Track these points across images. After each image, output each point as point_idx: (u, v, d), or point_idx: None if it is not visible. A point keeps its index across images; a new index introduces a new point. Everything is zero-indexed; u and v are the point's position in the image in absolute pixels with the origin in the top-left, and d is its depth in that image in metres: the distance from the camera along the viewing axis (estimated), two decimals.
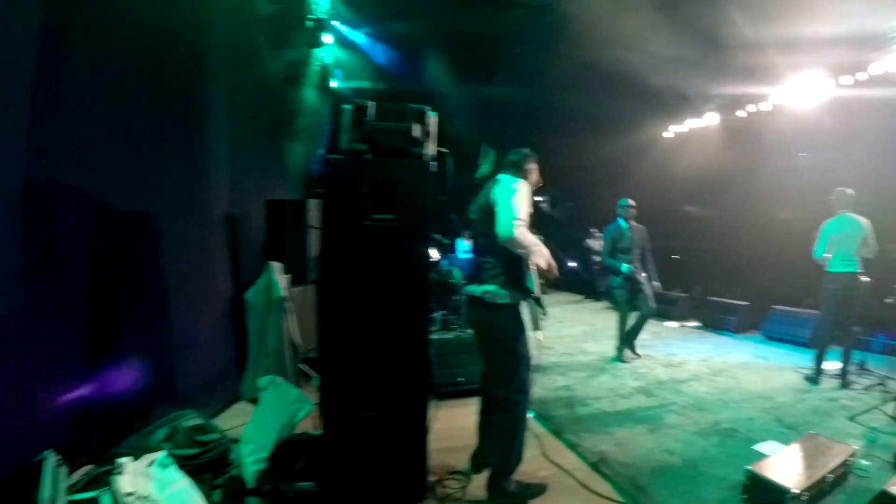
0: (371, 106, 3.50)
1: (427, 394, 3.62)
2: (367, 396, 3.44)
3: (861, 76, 11.70)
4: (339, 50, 11.62)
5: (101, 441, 3.68)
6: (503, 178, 3.62)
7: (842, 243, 6.48)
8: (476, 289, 3.68)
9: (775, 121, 14.92)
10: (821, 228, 6.71)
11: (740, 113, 14.99)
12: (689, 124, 16.89)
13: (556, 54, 16.26)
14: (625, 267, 7.46)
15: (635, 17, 12.57)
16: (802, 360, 7.68)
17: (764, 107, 14.19)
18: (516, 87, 18.33)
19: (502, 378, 3.63)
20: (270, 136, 8.08)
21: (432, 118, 3.67)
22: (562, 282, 18.33)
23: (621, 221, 7.81)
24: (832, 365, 6.80)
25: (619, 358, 7.88)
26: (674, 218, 20.01)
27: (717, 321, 10.40)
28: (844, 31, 10.84)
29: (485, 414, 4.05)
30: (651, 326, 10.23)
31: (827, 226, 6.66)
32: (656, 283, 7.84)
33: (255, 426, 3.94)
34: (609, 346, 8.54)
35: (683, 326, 10.80)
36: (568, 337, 9.71)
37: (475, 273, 3.81)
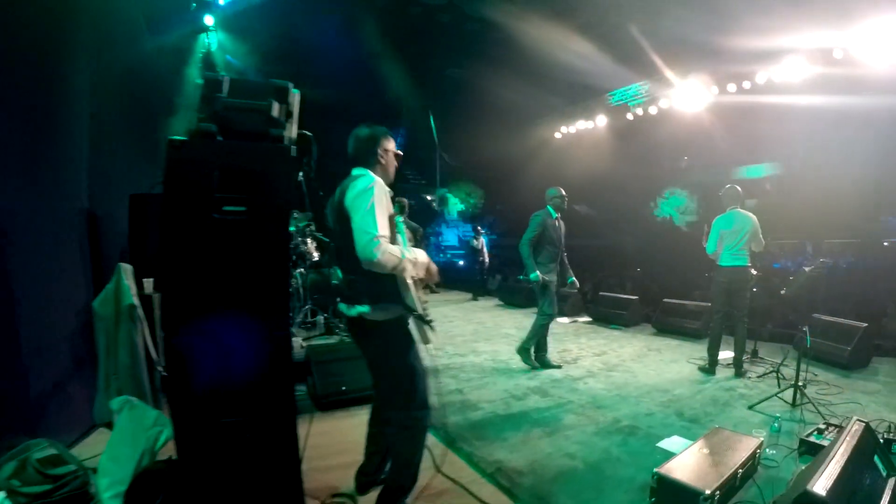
0: (226, 81, 2.96)
1: (292, 408, 3.06)
2: (223, 414, 2.88)
3: (746, 84, 12.12)
4: (225, 34, 10.98)
5: None
6: (355, 174, 3.12)
7: (732, 238, 6.40)
8: (348, 310, 3.15)
9: (662, 124, 15.40)
10: (712, 224, 6.63)
11: (628, 116, 15.27)
12: (578, 125, 17.09)
13: (452, 52, 16.35)
14: (533, 276, 6.66)
15: (530, 15, 12.63)
16: (695, 351, 7.58)
17: (652, 110, 14.51)
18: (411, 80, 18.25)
19: (399, 398, 3.16)
20: (147, 124, 7.05)
21: (296, 96, 3.16)
22: (451, 280, 18.04)
23: (552, 210, 7.00)
24: (725, 354, 6.68)
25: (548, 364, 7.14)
26: (564, 216, 20.41)
27: (608, 316, 10.27)
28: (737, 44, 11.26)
29: (374, 426, 3.61)
30: None
31: (717, 221, 6.58)
32: (575, 281, 7.21)
33: (110, 456, 3.41)
34: (501, 345, 8.18)
35: (575, 322, 10.62)
36: (458, 337, 9.25)
37: (345, 291, 3.21)
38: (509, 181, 20.09)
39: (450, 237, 25.54)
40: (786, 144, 14.56)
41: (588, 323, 10.55)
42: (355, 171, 3.13)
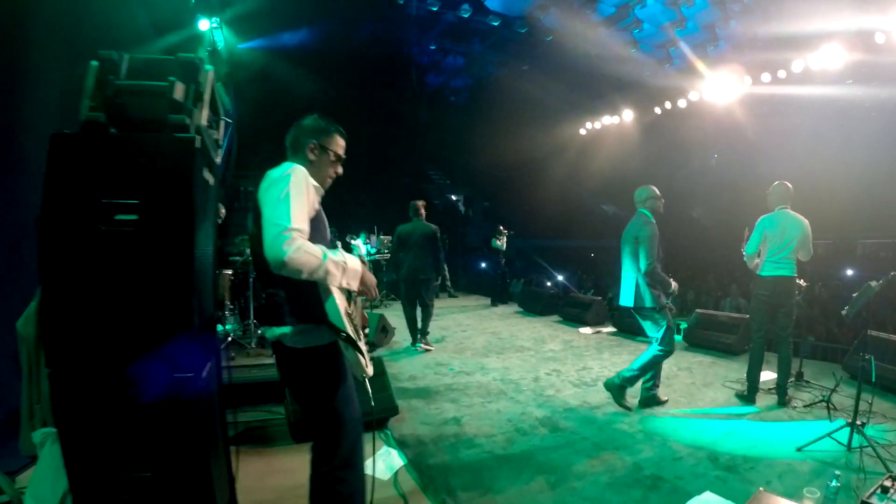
0: (125, 60, 2.51)
1: (204, 461, 2.50)
2: (124, 461, 2.37)
3: (781, 74, 11.14)
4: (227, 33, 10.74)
5: None
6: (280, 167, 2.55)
7: (776, 243, 5.48)
8: (269, 331, 2.57)
9: (690, 118, 14.45)
10: (755, 225, 5.70)
11: (656, 110, 14.37)
12: (604, 121, 16.24)
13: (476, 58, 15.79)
14: (650, 301, 5.40)
15: (550, 4, 11.90)
16: (731, 371, 6.69)
17: (681, 103, 13.60)
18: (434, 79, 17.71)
19: (321, 448, 2.61)
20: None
21: (209, 74, 2.61)
22: (471, 284, 17.27)
23: (650, 214, 5.91)
24: (766, 375, 5.80)
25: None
26: (589, 216, 19.53)
27: (634, 326, 9.32)
28: (770, 31, 10.35)
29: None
30: (564, 334, 9.29)
31: (762, 222, 5.64)
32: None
33: (32, 494, 2.97)
34: (514, 360, 7.41)
35: (598, 333, 9.73)
36: (468, 350, 8.46)
37: (268, 310, 2.61)
38: (533, 180, 19.27)
39: (474, 239, 24.70)
40: (819, 138, 13.49)
41: (612, 334, 9.66)
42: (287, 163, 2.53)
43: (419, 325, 8.61)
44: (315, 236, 2.38)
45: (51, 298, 2.28)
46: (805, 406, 5.37)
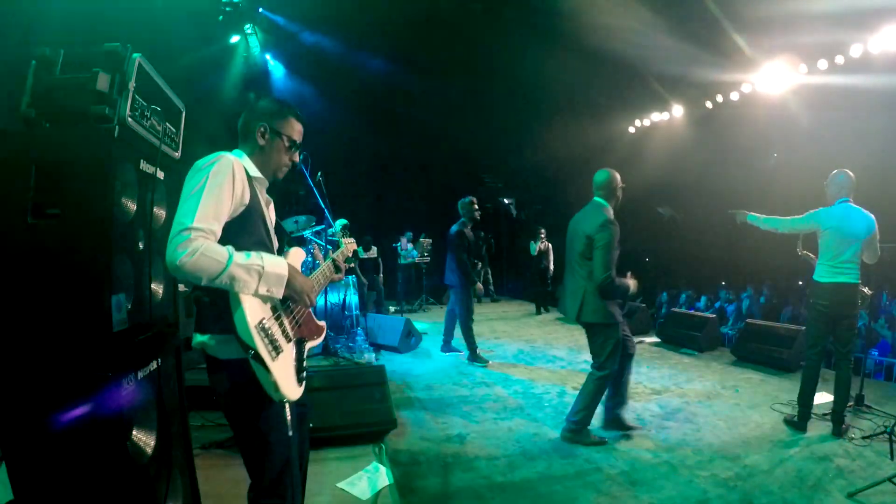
0: (60, 55, 2.46)
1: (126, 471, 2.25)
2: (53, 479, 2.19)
3: (839, 60, 10.15)
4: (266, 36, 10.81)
5: None
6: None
7: (836, 243, 4.67)
8: (194, 338, 2.31)
9: (743, 113, 13.49)
10: (808, 213, 4.89)
11: (707, 104, 13.51)
12: (653, 118, 15.46)
13: (519, 48, 15.27)
14: None
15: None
16: (781, 391, 5.92)
17: (733, 96, 12.73)
18: (480, 82, 17.27)
19: (249, 470, 2.29)
20: None
21: (136, 61, 2.49)
22: (518, 291, 16.71)
23: None
24: (821, 398, 5.04)
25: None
26: (643, 218, 18.70)
27: (679, 337, 8.61)
28: (822, 9, 9.43)
29: None
30: None
31: (818, 214, 4.83)
32: None
33: None
34: (542, 371, 6.83)
35: (640, 343, 8.99)
36: (497, 359, 7.88)
37: (196, 314, 2.34)
38: (584, 182, 18.55)
39: (526, 242, 24.15)
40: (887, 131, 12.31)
41: (655, 345, 8.92)
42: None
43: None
44: (242, 238, 2.13)
45: None
46: (864, 437, 4.60)
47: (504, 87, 16.61)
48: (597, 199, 4.90)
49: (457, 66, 15.70)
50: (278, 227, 2.56)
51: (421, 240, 13.68)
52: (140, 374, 2.46)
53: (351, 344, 8.09)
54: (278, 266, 2.10)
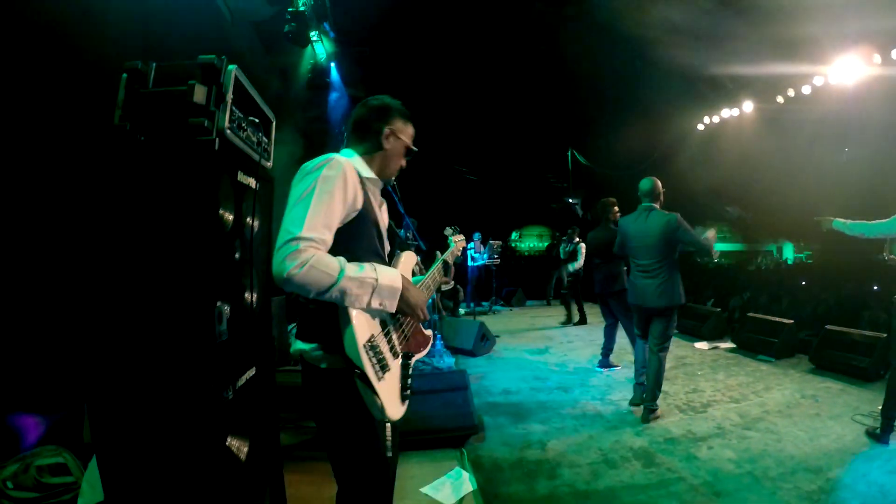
0: (152, 68, 2.49)
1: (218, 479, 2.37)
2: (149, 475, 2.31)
3: None
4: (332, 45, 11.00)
5: None
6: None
7: None
8: (294, 344, 2.25)
9: (814, 107, 13.08)
10: (894, 216, 4.77)
11: (778, 99, 13.20)
12: (723, 115, 15.18)
13: (580, 49, 15.24)
14: None
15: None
16: (863, 401, 5.87)
17: (805, 90, 12.41)
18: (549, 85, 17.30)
19: (339, 488, 2.22)
20: None
21: (233, 73, 2.53)
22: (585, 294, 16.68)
23: None
24: None
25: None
26: (711, 219, 18.38)
27: (756, 343, 8.54)
28: None
29: None
30: (677, 348, 8.67)
31: None
32: None
33: (89, 480, 3.01)
34: (619, 376, 6.97)
35: (716, 349, 8.98)
36: (572, 363, 8.01)
37: (299, 319, 2.32)
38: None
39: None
40: None
41: (731, 350, 8.86)
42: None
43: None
44: (354, 245, 2.07)
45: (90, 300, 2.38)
46: None
47: (570, 84, 16.61)
48: (648, 203, 5.71)
49: (520, 65, 15.79)
50: (391, 231, 2.49)
51: (491, 241, 13.80)
52: (238, 385, 2.64)
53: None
54: (392, 278, 2.01)
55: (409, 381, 2.13)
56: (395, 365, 2.08)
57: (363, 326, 1.95)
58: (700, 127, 16.30)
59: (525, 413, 5.80)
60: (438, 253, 2.74)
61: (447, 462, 4.48)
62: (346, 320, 1.92)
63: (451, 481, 4.12)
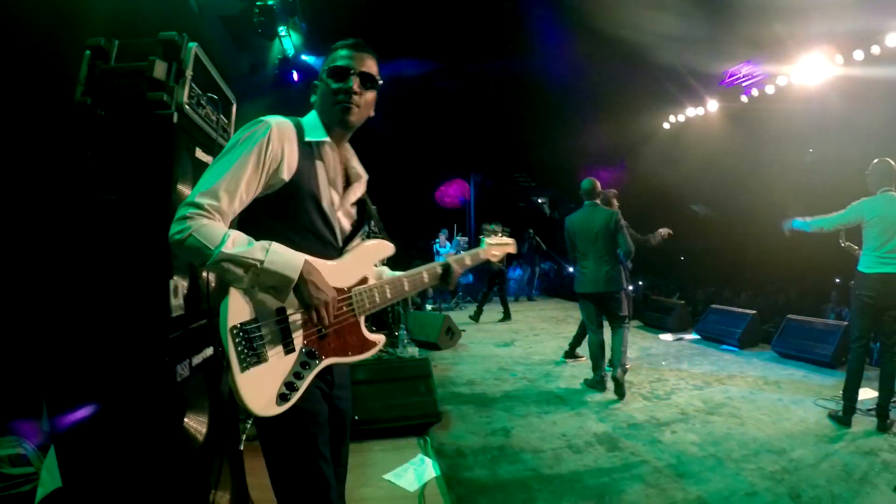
0: (115, 45, 2.51)
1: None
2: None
3: (875, 50, 9.92)
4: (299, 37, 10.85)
5: None
6: None
7: (880, 233, 4.66)
8: None
9: (779, 107, 13.26)
10: (850, 206, 4.91)
11: (742, 98, 13.34)
12: (688, 113, 15.30)
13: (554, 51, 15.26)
14: None
15: None
16: (825, 388, 5.89)
17: (769, 89, 12.57)
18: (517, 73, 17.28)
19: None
20: None
21: (193, 50, 2.55)
22: (553, 289, 16.69)
23: None
24: (865, 394, 5.02)
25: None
26: (677, 216, 18.54)
27: (719, 333, 8.59)
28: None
29: None
30: (642, 340, 8.70)
31: (862, 205, 4.82)
32: None
33: (48, 467, 2.89)
34: (584, 367, 6.88)
35: (680, 340, 9.01)
36: (537, 355, 7.96)
37: None
38: (614, 178, 18.52)
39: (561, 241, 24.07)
40: None
41: (695, 342, 8.89)
42: None
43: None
44: (280, 222, 1.83)
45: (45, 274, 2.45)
46: None
47: (536, 82, 16.61)
48: (591, 201, 6.26)
49: (487, 65, 15.76)
50: (359, 213, 2.15)
51: (457, 238, 13.73)
52: (194, 361, 2.56)
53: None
54: (287, 264, 1.68)
55: (307, 383, 1.81)
56: (279, 360, 1.75)
57: (239, 308, 1.71)
58: (666, 126, 16.41)
59: (489, 403, 5.74)
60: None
61: (410, 450, 4.41)
62: (224, 296, 1.72)
63: (413, 468, 4.06)
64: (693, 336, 9.20)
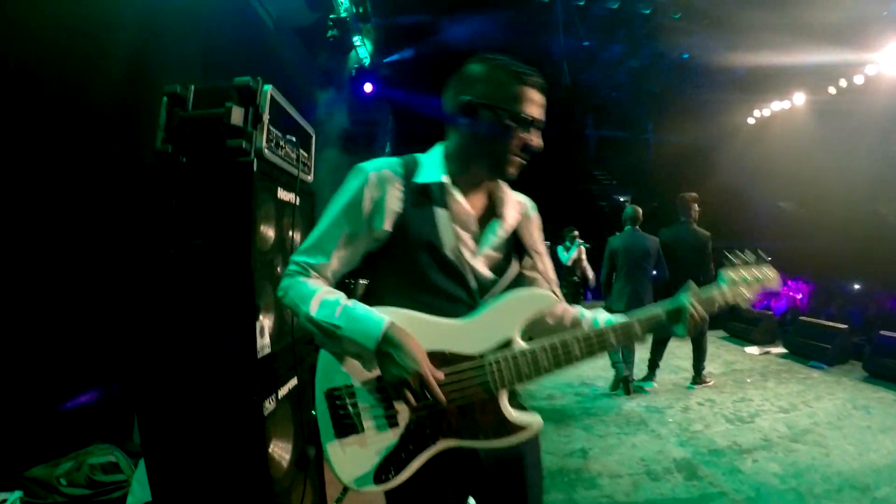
0: (191, 91, 2.57)
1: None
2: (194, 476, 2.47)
3: None
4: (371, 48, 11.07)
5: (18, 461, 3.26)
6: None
7: None
8: None
9: (870, 98, 12.61)
10: None
11: (830, 90, 12.81)
12: (773, 107, 14.82)
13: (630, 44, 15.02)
14: None
15: None
16: None
17: (857, 79, 12.01)
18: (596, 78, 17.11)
19: None
20: None
21: (267, 93, 2.55)
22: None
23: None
24: None
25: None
26: (764, 214, 17.90)
27: (807, 348, 8.37)
28: None
29: None
30: (727, 353, 8.59)
31: None
32: None
33: (139, 478, 3.20)
34: (668, 383, 6.92)
35: (767, 353, 8.82)
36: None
37: None
38: (699, 175, 18.08)
39: None
40: None
41: (781, 356, 8.69)
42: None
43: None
44: (391, 277, 1.66)
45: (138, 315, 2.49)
46: None
47: (615, 74, 16.43)
48: (631, 227, 6.90)
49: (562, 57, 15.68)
50: (517, 256, 1.77)
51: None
52: (281, 394, 2.71)
53: None
54: (362, 330, 1.50)
55: (416, 465, 1.57)
56: (377, 433, 1.57)
57: (333, 370, 1.60)
58: (751, 120, 15.98)
59: (568, 419, 5.82)
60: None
61: None
62: (322, 354, 1.63)
63: None
64: (780, 349, 8.98)
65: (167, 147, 2.47)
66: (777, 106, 14.55)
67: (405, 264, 1.62)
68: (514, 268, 1.74)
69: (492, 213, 1.74)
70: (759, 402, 6.33)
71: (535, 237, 1.87)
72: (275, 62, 7.37)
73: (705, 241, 6.75)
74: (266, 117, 2.53)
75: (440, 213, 1.63)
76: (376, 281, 1.70)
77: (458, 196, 1.65)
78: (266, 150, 2.54)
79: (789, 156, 14.56)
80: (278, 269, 2.82)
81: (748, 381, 7.28)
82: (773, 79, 13.60)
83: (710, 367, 7.62)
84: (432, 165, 1.68)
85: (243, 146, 2.42)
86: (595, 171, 23.18)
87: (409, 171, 1.66)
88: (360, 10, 9.54)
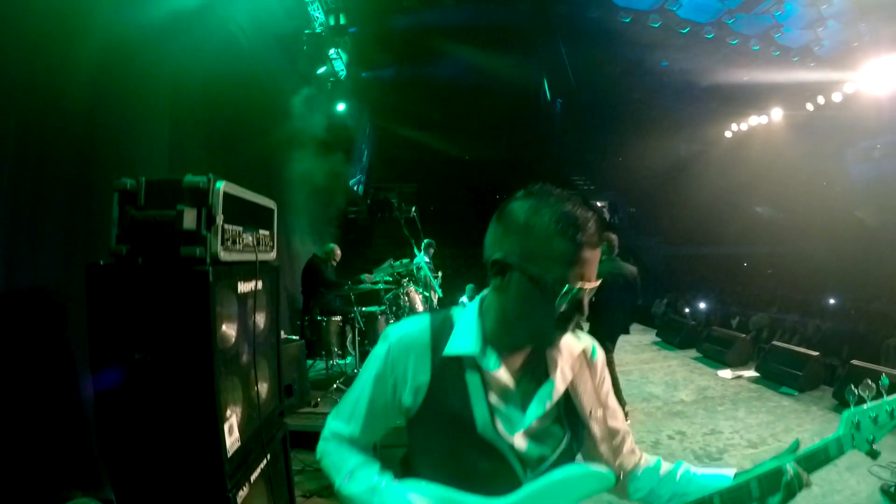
0: (141, 185, 2.52)
1: None
2: None
3: None
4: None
5: None
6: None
7: None
8: None
9: (847, 115, 12.83)
10: None
11: (808, 106, 13.06)
12: (751, 122, 15.15)
13: (614, 56, 15.15)
14: None
15: None
16: (886, 450, 5.70)
17: (835, 97, 12.23)
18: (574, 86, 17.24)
19: None
20: None
21: (221, 190, 2.47)
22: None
23: None
24: None
25: None
26: (741, 219, 18.11)
27: (779, 374, 8.44)
28: None
29: None
30: (700, 377, 8.63)
31: None
32: None
33: None
34: (638, 413, 6.96)
35: (739, 378, 8.89)
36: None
37: None
38: (679, 182, 18.29)
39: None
40: None
41: (753, 380, 8.78)
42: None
43: None
44: (422, 447, 1.53)
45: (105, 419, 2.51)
46: None
47: (592, 88, 16.61)
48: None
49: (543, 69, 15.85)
50: (571, 430, 1.50)
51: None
52: (253, 477, 2.75)
53: None
54: None
55: None
56: None
57: None
58: (728, 134, 16.30)
59: None
60: None
61: None
62: None
63: None
64: (752, 373, 9.06)
65: (121, 249, 2.46)
66: (755, 121, 14.84)
67: (437, 441, 1.47)
68: (566, 438, 1.49)
69: (540, 374, 1.49)
70: (729, 434, 6.38)
71: (598, 395, 1.59)
72: (255, 71, 7.67)
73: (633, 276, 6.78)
74: (220, 219, 2.48)
75: (472, 384, 1.43)
76: (413, 451, 1.55)
77: (494, 362, 1.43)
78: (222, 254, 2.51)
79: (766, 169, 14.83)
80: (243, 357, 2.83)
81: (720, 408, 7.34)
82: (750, 94, 13.88)
83: (682, 393, 7.72)
84: (466, 330, 1.45)
85: (198, 254, 2.39)
86: (573, 175, 23.30)
87: (437, 337, 1.47)
88: (334, 22, 9.64)
